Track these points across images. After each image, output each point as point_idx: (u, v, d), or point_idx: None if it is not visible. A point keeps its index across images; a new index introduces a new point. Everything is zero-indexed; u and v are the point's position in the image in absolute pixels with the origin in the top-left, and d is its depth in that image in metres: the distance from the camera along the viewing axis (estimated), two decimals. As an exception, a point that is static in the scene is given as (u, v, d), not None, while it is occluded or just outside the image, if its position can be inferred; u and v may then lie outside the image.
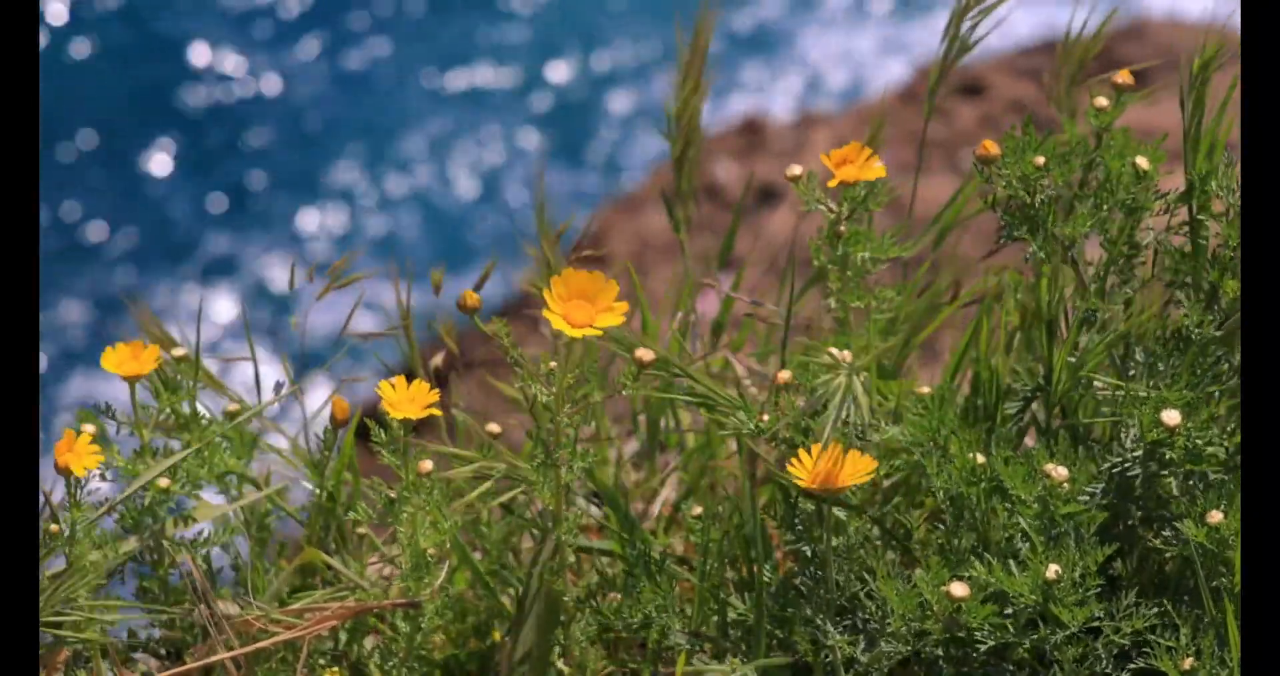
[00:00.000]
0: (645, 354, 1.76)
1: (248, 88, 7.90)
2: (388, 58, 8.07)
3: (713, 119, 7.55)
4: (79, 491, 1.81)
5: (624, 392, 1.76)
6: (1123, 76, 1.87)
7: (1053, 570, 1.70)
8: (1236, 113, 1.90)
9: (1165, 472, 1.80)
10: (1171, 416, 1.75)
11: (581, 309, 1.70)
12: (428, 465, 1.81)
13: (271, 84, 7.94)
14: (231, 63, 7.97)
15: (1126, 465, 1.80)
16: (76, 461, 1.80)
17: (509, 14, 8.20)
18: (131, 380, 1.90)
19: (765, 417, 1.80)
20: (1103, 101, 1.86)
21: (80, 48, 7.94)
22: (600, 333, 1.68)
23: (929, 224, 2.30)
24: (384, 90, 7.93)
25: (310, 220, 7.47)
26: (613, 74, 8.01)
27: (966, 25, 2.22)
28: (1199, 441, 1.76)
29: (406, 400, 1.78)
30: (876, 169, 1.89)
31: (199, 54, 7.99)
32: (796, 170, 1.94)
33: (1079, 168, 1.84)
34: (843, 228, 1.93)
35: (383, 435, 1.80)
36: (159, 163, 7.64)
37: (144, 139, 7.69)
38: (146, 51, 7.97)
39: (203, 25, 8.10)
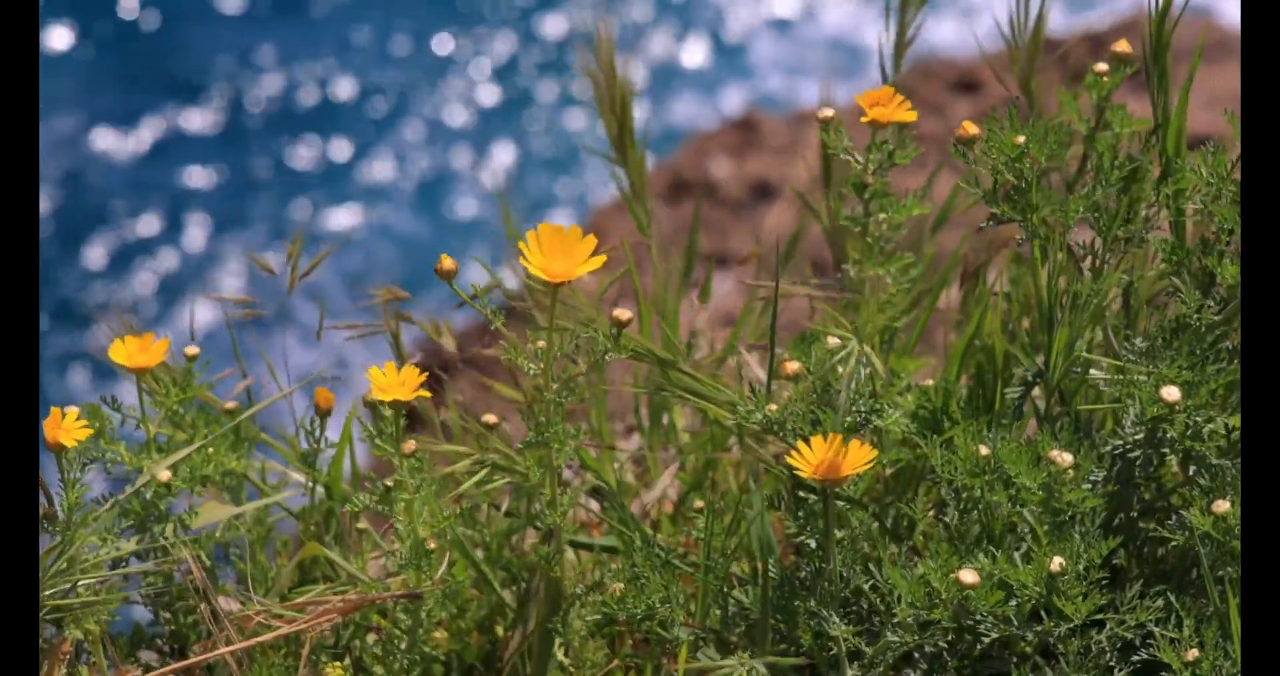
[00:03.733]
0: (623, 313, 1.76)
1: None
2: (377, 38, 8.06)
3: (709, 115, 7.55)
4: (73, 469, 1.82)
5: (607, 357, 1.76)
6: (1122, 46, 1.86)
7: (1057, 563, 1.70)
8: (1199, 98, 1.90)
9: (1166, 451, 1.79)
10: (1171, 392, 1.75)
11: (559, 260, 1.70)
12: (411, 445, 1.80)
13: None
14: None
15: (1128, 447, 1.80)
16: (67, 436, 1.80)
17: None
18: (139, 372, 1.91)
19: (773, 408, 1.79)
20: (1103, 66, 1.84)
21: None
22: (577, 278, 1.70)
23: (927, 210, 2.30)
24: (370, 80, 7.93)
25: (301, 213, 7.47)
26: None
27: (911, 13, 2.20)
28: (1199, 419, 1.76)
29: (396, 384, 1.78)
30: (908, 112, 1.89)
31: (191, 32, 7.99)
32: (829, 112, 1.92)
33: (1055, 145, 1.82)
34: (870, 178, 1.92)
35: (371, 427, 1.80)
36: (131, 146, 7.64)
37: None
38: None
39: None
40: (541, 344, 1.75)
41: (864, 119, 1.89)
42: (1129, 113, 1.86)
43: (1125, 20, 5.93)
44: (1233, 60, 5.50)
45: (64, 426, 1.80)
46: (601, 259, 1.70)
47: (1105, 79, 1.85)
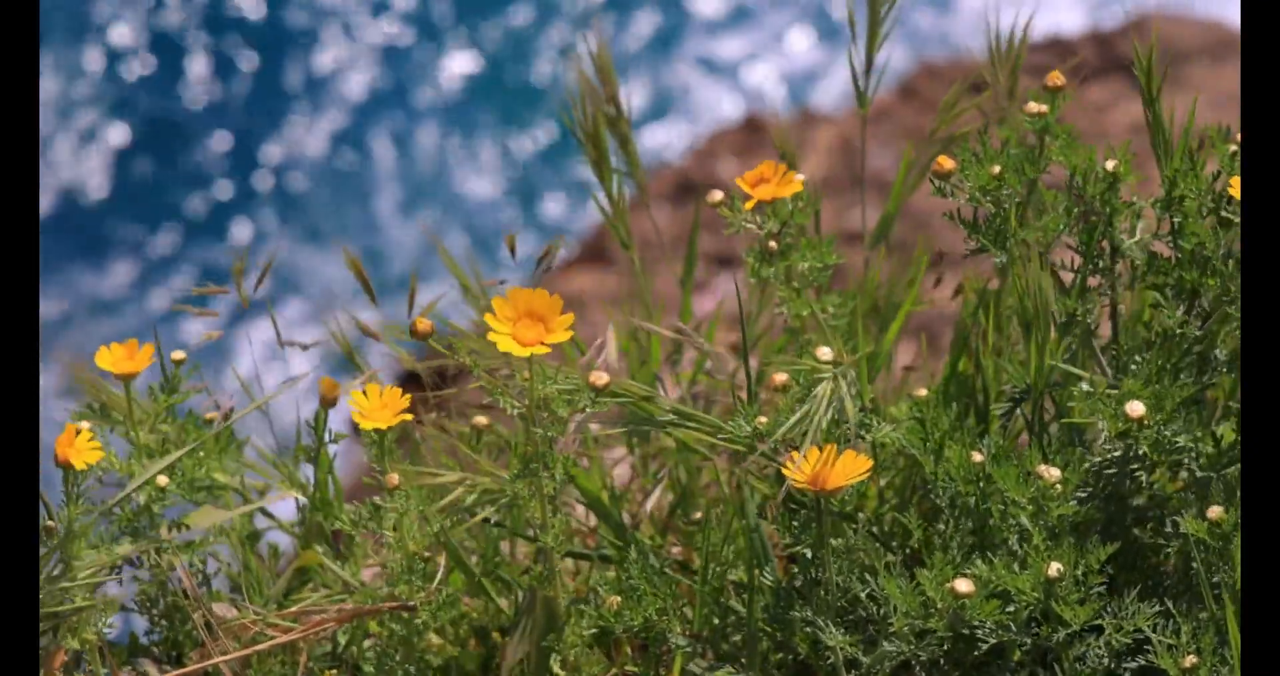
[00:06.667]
0: (599, 378, 1.74)
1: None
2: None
3: (715, 115, 7.55)
4: (76, 488, 1.81)
5: (585, 410, 1.74)
6: (1054, 79, 1.85)
7: (1054, 568, 1.70)
8: (1204, 98, 1.89)
9: (1138, 468, 1.79)
10: (1135, 408, 1.74)
11: (530, 328, 1.66)
12: (395, 479, 1.79)
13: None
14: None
15: (1104, 464, 1.80)
16: (77, 456, 1.79)
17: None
18: (126, 379, 1.90)
19: (763, 420, 1.79)
20: (1034, 107, 1.83)
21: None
22: (549, 350, 1.66)
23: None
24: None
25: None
26: (621, 69, 8.00)
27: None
28: (1168, 434, 1.75)
29: (379, 408, 1.76)
30: (794, 184, 1.88)
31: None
32: (718, 196, 1.92)
33: (1031, 174, 1.82)
34: (773, 244, 1.92)
35: (372, 448, 1.79)
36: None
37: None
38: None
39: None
40: (526, 376, 1.73)
41: (748, 205, 1.88)
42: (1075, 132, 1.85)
43: (1131, 20, 5.92)
44: (1236, 59, 5.50)
45: (76, 445, 1.80)
46: (570, 319, 1.66)
47: (1040, 117, 1.84)
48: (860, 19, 2.19)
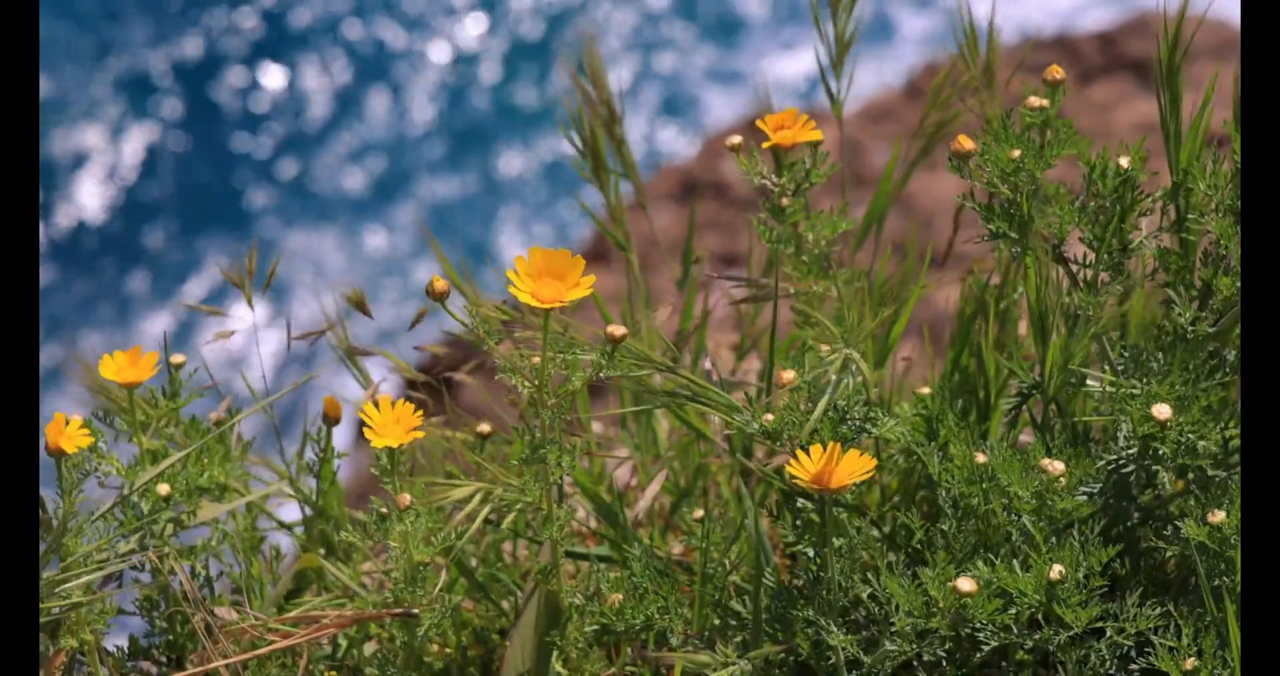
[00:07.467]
0: (616, 330, 1.75)
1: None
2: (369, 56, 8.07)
3: (718, 115, 7.54)
4: (72, 475, 1.81)
5: (602, 374, 1.75)
6: (1053, 73, 1.84)
7: (1056, 570, 1.69)
8: (1216, 102, 1.89)
9: (1158, 469, 1.78)
10: (1162, 410, 1.74)
11: (549, 285, 1.68)
12: (406, 499, 1.78)
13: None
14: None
15: (1121, 462, 1.79)
16: (69, 442, 1.79)
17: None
18: (130, 387, 1.90)
19: (770, 417, 1.78)
20: (1035, 101, 1.82)
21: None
22: (568, 304, 1.68)
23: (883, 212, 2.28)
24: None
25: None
26: (626, 69, 8.01)
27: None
28: (1191, 436, 1.74)
29: (390, 422, 1.76)
30: (813, 132, 1.88)
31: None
32: (738, 139, 1.92)
33: (1051, 159, 1.81)
34: (786, 201, 1.92)
35: (379, 463, 1.78)
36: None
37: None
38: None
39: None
40: (536, 360, 1.73)
41: (766, 145, 1.88)
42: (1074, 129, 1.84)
43: (1133, 19, 5.91)
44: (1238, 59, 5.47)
45: (66, 432, 1.79)
46: (591, 280, 1.68)
47: (1040, 111, 1.82)
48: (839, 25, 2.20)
